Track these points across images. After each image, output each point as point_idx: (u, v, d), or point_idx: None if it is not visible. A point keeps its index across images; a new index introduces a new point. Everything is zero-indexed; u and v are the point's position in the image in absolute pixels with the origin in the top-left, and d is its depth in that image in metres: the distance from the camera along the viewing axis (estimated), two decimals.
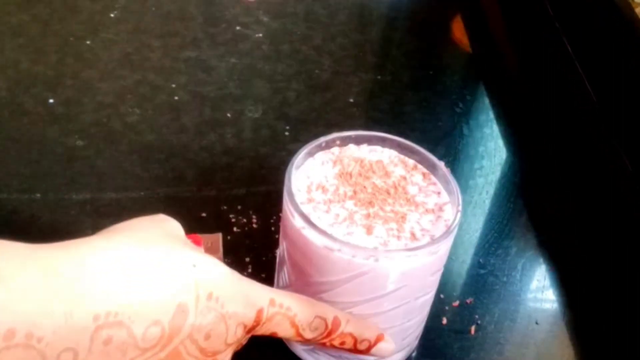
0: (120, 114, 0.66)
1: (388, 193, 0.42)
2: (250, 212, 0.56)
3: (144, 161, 0.61)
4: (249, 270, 0.51)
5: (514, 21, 0.84)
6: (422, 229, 0.40)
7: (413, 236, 0.39)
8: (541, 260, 0.56)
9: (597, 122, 0.65)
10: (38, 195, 0.56)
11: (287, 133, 0.66)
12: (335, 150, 0.45)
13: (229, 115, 0.67)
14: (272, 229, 0.55)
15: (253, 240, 0.54)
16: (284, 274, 0.43)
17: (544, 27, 0.78)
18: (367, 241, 0.39)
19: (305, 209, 0.40)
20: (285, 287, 0.44)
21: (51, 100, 0.67)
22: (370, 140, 0.45)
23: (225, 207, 0.57)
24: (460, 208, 0.40)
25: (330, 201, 0.41)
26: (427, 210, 0.41)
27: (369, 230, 0.39)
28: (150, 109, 0.67)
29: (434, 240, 0.39)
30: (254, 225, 0.55)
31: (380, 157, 0.45)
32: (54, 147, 0.61)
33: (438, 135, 0.68)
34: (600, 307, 0.52)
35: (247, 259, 0.52)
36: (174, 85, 0.70)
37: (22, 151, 0.60)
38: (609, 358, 0.49)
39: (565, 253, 0.57)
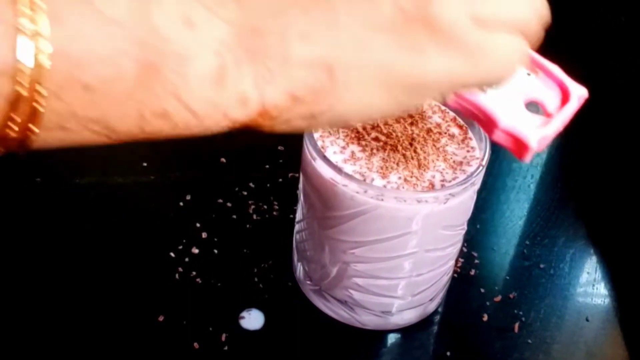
0: None
1: (417, 140, 0.41)
2: (272, 199, 0.54)
3: (154, 142, 0.58)
4: (270, 262, 0.49)
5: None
6: (443, 180, 0.39)
7: (432, 186, 0.39)
8: (592, 251, 0.54)
9: None
10: (38, 179, 0.54)
11: None
12: None
13: None
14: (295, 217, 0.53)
15: (274, 228, 0.52)
16: (300, 207, 0.44)
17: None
18: (378, 184, 0.38)
19: (322, 142, 0.41)
20: (298, 222, 0.45)
21: None
22: None
23: (245, 193, 0.55)
24: (484, 163, 0.40)
25: (351, 139, 0.41)
26: (454, 162, 0.41)
27: (384, 175, 0.39)
28: None
29: (444, 188, 0.38)
30: (275, 213, 0.53)
31: None
32: None
33: None
34: None
35: (268, 249, 0.50)
36: None
37: None
38: None
39: (618, 243, 0.55)
